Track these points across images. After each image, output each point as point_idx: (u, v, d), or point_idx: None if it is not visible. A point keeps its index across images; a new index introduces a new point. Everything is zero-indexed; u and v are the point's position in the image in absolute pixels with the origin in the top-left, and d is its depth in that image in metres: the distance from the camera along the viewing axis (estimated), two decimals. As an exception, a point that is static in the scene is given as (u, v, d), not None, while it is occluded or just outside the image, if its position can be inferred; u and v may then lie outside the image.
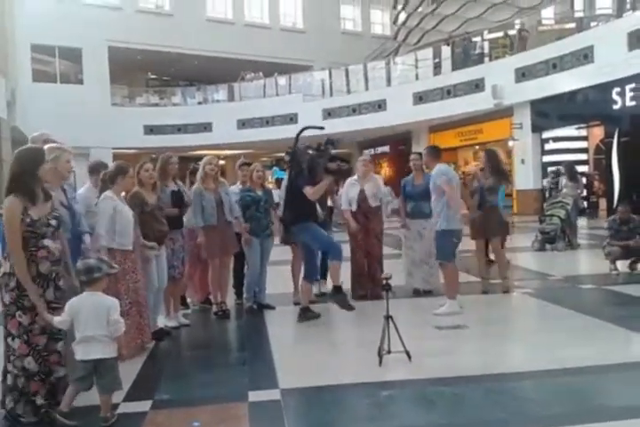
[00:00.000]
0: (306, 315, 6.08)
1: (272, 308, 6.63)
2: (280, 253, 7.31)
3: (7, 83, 17.29)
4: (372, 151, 27.48)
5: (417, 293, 7.10)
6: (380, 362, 4.39)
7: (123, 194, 5.30)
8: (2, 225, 3.66)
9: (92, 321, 3.46)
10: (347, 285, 7.08)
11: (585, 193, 14.87)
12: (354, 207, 6.99)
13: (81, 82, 25.46)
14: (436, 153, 6.57)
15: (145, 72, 31.09)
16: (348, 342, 5.54)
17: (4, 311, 3.61)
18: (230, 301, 6.84)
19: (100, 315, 3.47)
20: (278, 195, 7.31)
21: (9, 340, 3.59)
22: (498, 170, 7.26)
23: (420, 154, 7.40)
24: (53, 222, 3.68)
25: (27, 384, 3.56)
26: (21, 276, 3.51)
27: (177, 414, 3.73)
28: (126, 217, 4.94)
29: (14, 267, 3.52)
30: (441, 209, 6.15)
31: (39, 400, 3.56)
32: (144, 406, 3.83)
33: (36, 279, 3.56)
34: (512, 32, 20.72)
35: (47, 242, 3.62)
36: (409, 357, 4.43)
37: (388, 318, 4.46)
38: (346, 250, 7.32)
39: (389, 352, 4.42)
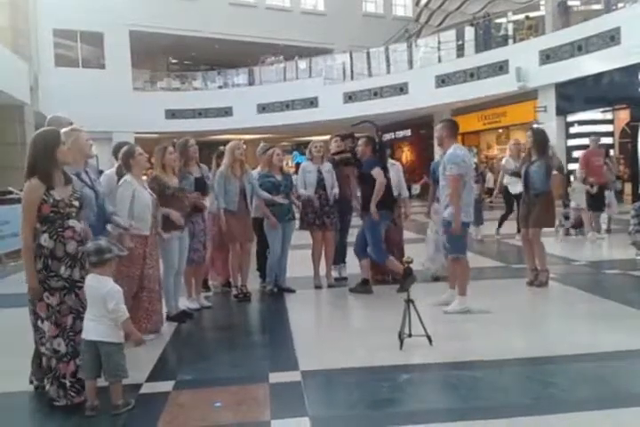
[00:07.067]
0: (361, 288, 6.45)
1: (292, 291, 6.66)
2: (300, 237, 7.31)
3: (30, 68, 17.42)
4: (392, 135, 27.29)
5: (436, 279, 7.05)
6: (401, 346, 4.39)
7: (145, 178, 5.33)
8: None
9: (92, 305, 3.50)
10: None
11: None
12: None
13: (103, 66, 25.53)
14: (454, 129, 5.76)
15: (166, 56, 31.09)
16: (368, 326, 5.53)
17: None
18: (255, 284, 6.88)
19: (99, 302, 3.48)
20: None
21: (39, 323, 3.62)
22: (547, 150, 6.71)
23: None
24: (76, 203, 3.71)
25: (57, 366, 3.60)
26: (26, 252, 3.57)
27: (199, 395, 3.77)
28: (144, 202, 4.92)
29: (22, 242, 3.56)
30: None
31: (68, 382, 3.60)
32: (167, 386, 3.88)
33: (63, 259, 3.60)
34: (536, 13, 20.32)
35: (72, 222, 3.66)
36: (430, 341, 4.42)
37: (408, 301, 4.45)
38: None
39: (410, 336, 4.41)
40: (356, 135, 6.91)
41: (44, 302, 3.59)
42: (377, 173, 6.32)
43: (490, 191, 15.28)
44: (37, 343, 3.69)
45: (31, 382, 3.82)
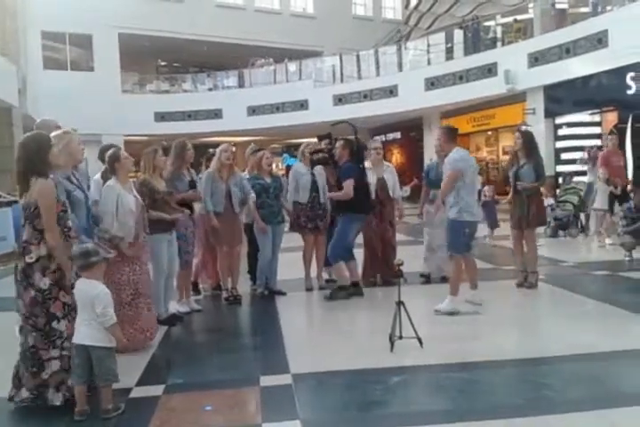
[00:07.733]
0: (338, 294, 6.37)
1: (283, 294, 6.65)
2: (290, 239, 7.30)
3: (18, 70, 17.30)
4: (382, 138, 27.33)
5: (426, 278, 7.08)
6: (392, 348, 4.39)
7: (133, 180, 5.29)
8: (17, 215, 3.68)
9: (83, 309, 3.49)
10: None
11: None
12: (372, 195, 6.93)
13: (91, 69, 25.38)
14: (452, 134, 6.01)
15: (155, 59, 30.96)
16: (359, 328, 5.54)
17: (42, 296, 3.55)
18: (246, 286, 6.86)
19: (88, 306, 3.46)
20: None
21: (54, 324, 3.58)
22: (536, 152, 6.74)
23: None
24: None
25: None
26: (61, 252, 3.54)
27: (189, 399, 3.75)
28: (127, 207, 4.78)
29: (53, 243, 3.53)
30: (454, 198, 5.67)
31: None
32: (157, 390, 3.86)
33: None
34: (525, 16, 20.41)
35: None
36: (420, 343, 4.43)
37: (399, 303, 4.45)
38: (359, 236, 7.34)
39: (401, 338, 4.42)
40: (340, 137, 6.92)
41: (59, 301, 3.59)
42: (347, 184, 6.33)
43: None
44: (46, 347, 3.56)
45: (10, 399, 3.66)
